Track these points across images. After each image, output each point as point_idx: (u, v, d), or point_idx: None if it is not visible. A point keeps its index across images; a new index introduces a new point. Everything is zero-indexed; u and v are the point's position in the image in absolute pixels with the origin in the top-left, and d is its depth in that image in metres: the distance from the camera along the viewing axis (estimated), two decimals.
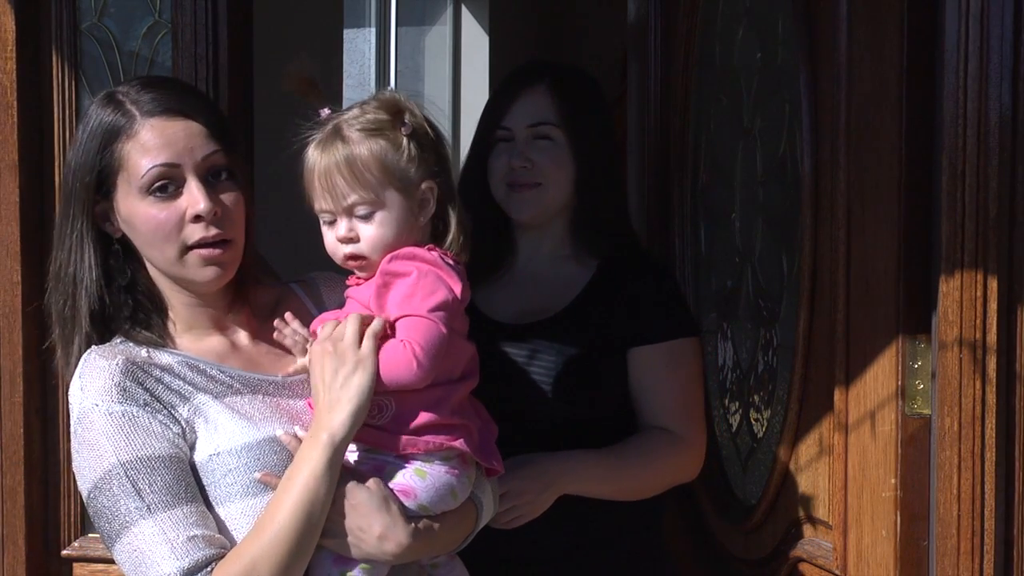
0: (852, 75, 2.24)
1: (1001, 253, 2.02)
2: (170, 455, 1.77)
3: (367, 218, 1.85)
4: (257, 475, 1.80)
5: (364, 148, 1.83)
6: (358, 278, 1.91)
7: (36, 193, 2.66)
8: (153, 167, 1.81)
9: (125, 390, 1.80)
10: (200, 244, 1.84)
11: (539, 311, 2.38)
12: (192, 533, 1.73)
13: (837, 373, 2.31)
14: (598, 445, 2.29)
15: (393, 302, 1.82)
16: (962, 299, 2.05)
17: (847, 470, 2.29)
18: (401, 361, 1.78)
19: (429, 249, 1.87)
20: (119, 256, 1.89)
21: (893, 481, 2.19)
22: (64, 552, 2.71)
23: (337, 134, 1.85)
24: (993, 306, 2.03)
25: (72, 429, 1.83)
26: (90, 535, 2.70)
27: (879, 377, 2.22)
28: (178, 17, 2.60)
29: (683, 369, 2.36)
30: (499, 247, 2.48)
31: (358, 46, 6.25)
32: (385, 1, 6.32)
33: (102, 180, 1.85)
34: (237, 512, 1.79)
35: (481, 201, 2.43)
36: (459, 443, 1.85)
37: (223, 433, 1.81)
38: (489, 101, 2.49)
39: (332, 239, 1.88)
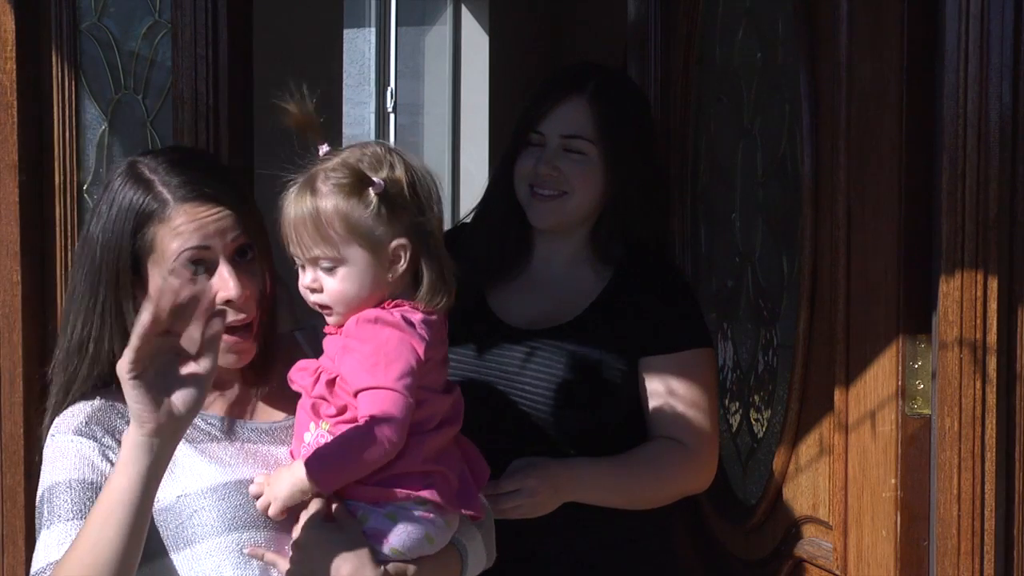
0: (852, 75, 2.24)
1: (1001, 253, 2.02)
2: (93, 481, 1.78)
3: (330, 271, 1.85)
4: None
5: (330, 204, 1.82)
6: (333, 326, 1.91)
7: (36, 193, 2.66)
8: (185, 250, 1.81)
9: (86, 425, 1.81)
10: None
11: (551, 317, 2.36)
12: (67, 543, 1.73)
13: (837, 373, 2.31)
14: (604, 453, 2.28)
15: (354, 372, 1.81)
16: (962, 299, 2.05)
17: (847, 470, 2.29)
18: (371, 444, 1.77)
19: (396, 306, 1.85)
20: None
21: (893, 481, 2.19)
22: None
23: (310, 185, 1.85)
24: (993, 306, 2.03)
25: None
26: None
27: (879, 377, 2.22)
28: (178, 17, 2.59)
29: (695, 380, 2.33)
30: (517, 248, 2.45)
31: (358, 46, 6.26)
32: (385, 1, 6.33)
33: (134, 262, 1.84)
34: (203, 552, 1.79)
35: (504, 200, 2.41)
36: (428, 493, 1.83)
37: (191, 475, 1.81)
38: (528, 100, 2.42)
39: (302, 283, 1.88)
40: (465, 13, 6.29)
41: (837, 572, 2.34)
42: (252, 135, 2.71)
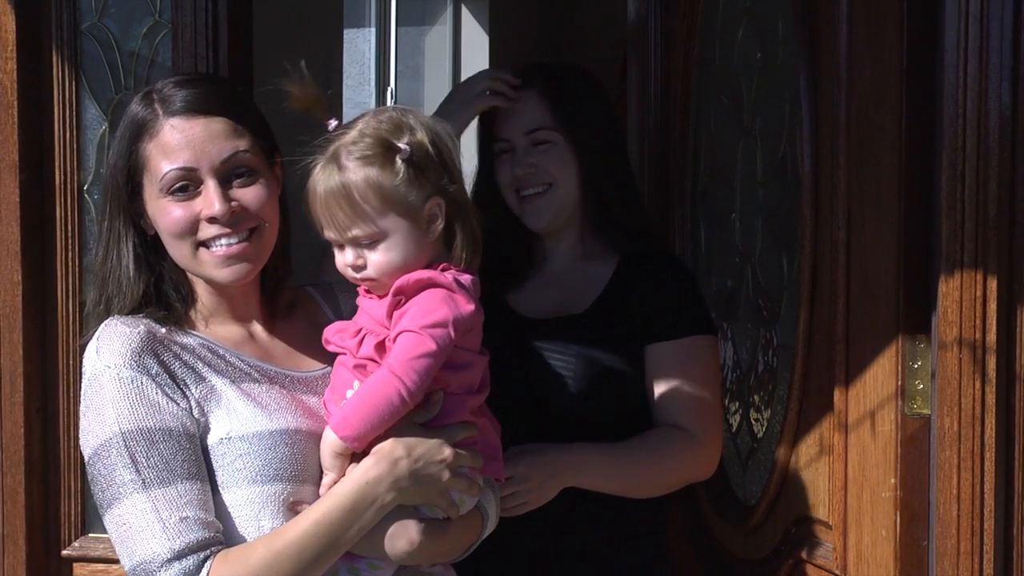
0: (852, 75, 2.24)
1: (1001, 253, 2.02)
2: (172, 428, 1.77)
3: (372, 246, 1.85)
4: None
5: (359, 177, 1.81)
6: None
7: (36, 193, 2.66)
8: (171, 170, 1.83)
9: (140, 357, 1.81)
10: (212, 242, 1.85)
11: (565, 308, 2.38)
12: (185, 514, 1.72)
13: (837, 373, 2.31)
14: (616, 441, 2.29)
15: (400, 324, 1.84)
16: (962, 299, 2.06)
17: (847, 470, 2.29)
18: (385, 388, 1.79)
19: (443, 270, 1.86)
20: (151, 250, 1.92)
21: (893, 481, 2.19)
22: (64, 552, 2.71)
23: (335, 161, 1.84)
24: (993, 306, 2.03)
25: (82, 391, 1.84)
26: (90, 535, 2.70)
27: (879, 377, 2.22)
28: (178, 17, 2.59)
29: (698, 367, 2.34)
30: (522, 253, 2.48)
31: (358, 46, 6.25)
32: (385, 1, 6.33)
33: (130, 178, 1.87)
34: (243, 498, 1.79)
35: (497, 211, 2.43)
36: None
37: (237, 418, 1.82)
38: (484, 112, 2.46)
39: (342, 263, 1.88)
40: (465, 13, 6.29)
41: (837, 572, 2.34)
42: None
